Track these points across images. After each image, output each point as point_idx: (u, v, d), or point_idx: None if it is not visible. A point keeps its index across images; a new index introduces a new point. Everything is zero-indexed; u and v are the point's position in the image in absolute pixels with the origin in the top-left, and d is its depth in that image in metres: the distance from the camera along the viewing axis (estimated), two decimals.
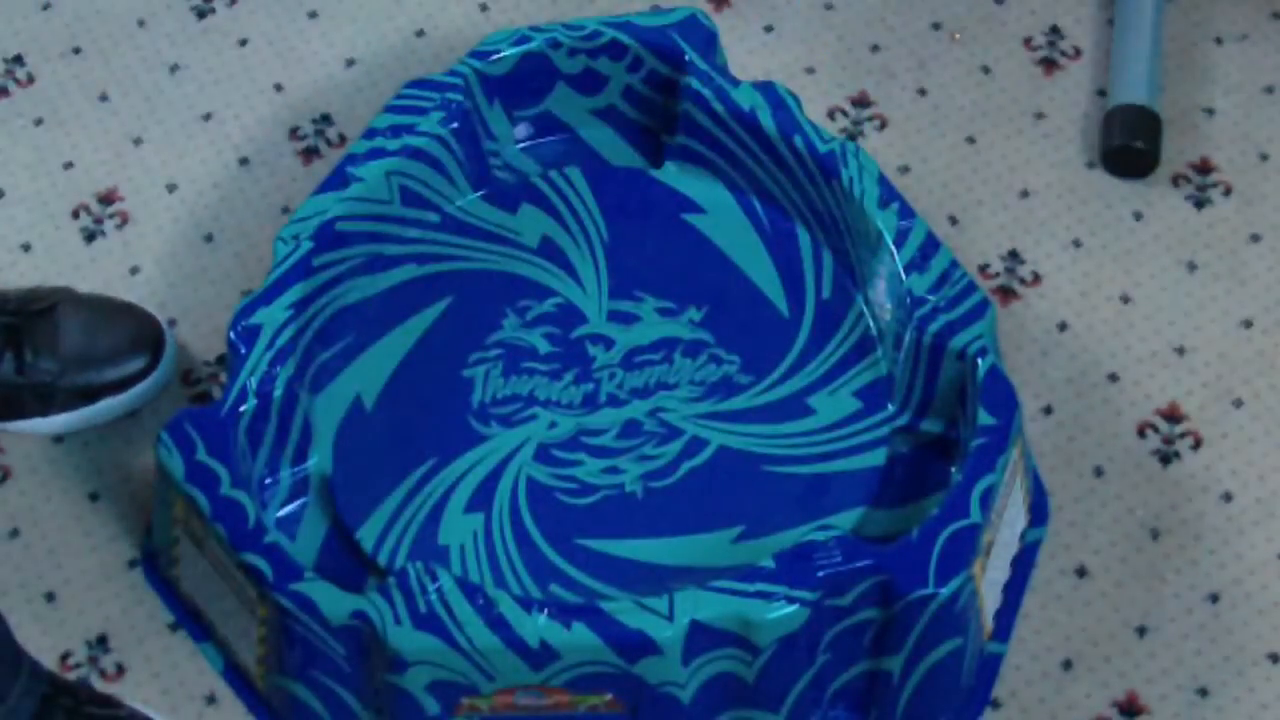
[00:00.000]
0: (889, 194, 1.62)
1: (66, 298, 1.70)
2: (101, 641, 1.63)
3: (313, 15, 1.95)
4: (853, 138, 1.86)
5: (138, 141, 1.87)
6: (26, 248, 1.82)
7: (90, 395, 1.69)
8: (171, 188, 1.85)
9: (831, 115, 1.87)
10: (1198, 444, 1.70)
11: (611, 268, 1.68)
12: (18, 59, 1.92)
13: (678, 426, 1.61)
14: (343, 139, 1.87)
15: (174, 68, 1.92)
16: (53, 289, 1.71)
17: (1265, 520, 1.67)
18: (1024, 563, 1.63)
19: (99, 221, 1.83)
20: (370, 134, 1.67)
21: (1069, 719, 1.59)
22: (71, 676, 1.61)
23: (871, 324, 1.65)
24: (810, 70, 1.90)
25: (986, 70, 1.90)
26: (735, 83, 1.69)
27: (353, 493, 1.59)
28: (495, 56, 1.71)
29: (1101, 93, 1.88)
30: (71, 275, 1.80)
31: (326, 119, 1.89)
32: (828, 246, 1.68)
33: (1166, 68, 1.89)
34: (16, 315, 1.67)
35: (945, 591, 1.47)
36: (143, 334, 1.71)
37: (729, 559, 1.55)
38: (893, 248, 1.60)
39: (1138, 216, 1.82)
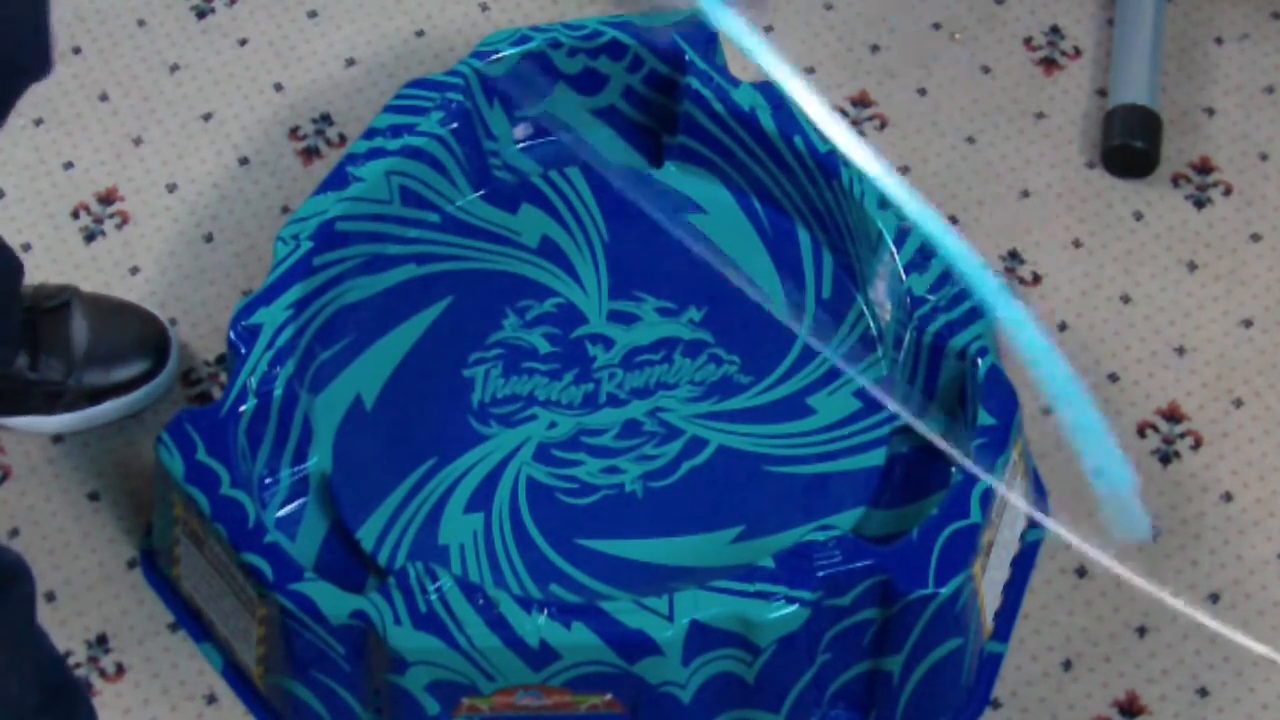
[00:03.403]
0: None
1: (75, 296, 1.70)
2: (101, 641, 1.63)
3: (313, 15, 1.95)
4: None
5: (138, 141, 1.87)
6: (26, 248, 1.82)
7: (96, 396, 1.69)
8: (171, 188, 1.85)
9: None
10: (1198, 444, 1.70)
11: (611, 268, 1.68)
12: None
13: (678, 426, 1.61)
14: (343, 139, 1.87)
15: (174, 68, 1.92)
16: (60, 286, 1.71)
17: (1265, 520, 1.67)
18: (1024, 563, 1.63)
19: (99, 221, 1.83)
20: (370, 134, 1.67)
21: (1069, 719, 1.59)
22: None
23: (871, 324, 1.65)
24: (810, 70, 1.90)
25: (986, 70, 1.90)
26: (735, 83, 1.69)
27: (353, 493, 1.59)
28: (495, 56, 1.71)
29: (1101, 93, 1.88)
30: (72, 275, 1.80)
31: (326, 119, 1.89)
32: (828, 246, 1.68)
33: (1166, 68, 1.89)
34: (31, 311, 1.68)
35: (945, 591, 1.47)
36: (148, 336, 1.71)
37: (729, 559, 1.55)
38: (893, 248, 1.60)
39: (1138, 216, 1.82)
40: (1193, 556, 1.65)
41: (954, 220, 1.81)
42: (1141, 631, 1.62)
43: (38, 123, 1.89)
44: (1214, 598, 1.63)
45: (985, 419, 1.52)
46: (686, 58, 1.70)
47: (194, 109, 1.89)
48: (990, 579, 1.55)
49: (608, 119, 1.76)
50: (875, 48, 1.91)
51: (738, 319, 1.65)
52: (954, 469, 1.58)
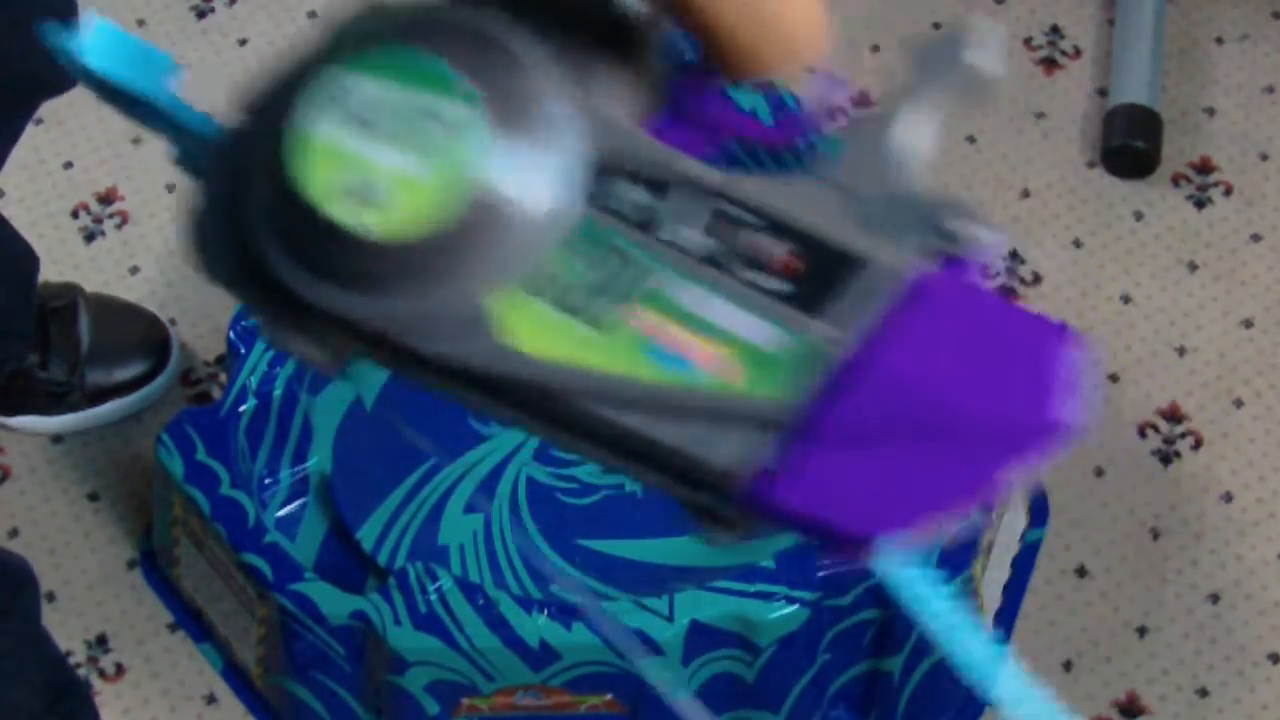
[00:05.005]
0: None
1: (80, 295, 1.70)
2: (101, 641, 1.63)
3: (313, 15, 1.95)
4: None
5: (137, 141, 1.87)
6: None
7: (97, 397, 1.69)
8: (171, 188, 1.85)
9: (832, 115, 1.87)
10: (1198, 444, 1.70)
11: None
12: None
13: None
14: None
15: None
16: (64, 285, 1.71)
17: (1265, 520, 1.67)
18: (1024, 563, 1.63)
19: (99, 221, 1.83)
20: None
21: None
22: None
23: None
24: (810, 70, 1.90)
25: None
26: None
27: (353, 493, 1.58)
28: None
29: (1102, 92, 1.88)
30: (72, 275, 1.80)
31: None
32: None
33: (1166, 68, 1.89)
34: (41, 310, 1.68)
35: None
36: (150, 337, 1.72)
37: (729, 559, 1.55)
38: None
39: (1138, 216, 1.82)
40: (1193, 556, 1.65)
41: None
42: (1141, 631, 1.62)
43: (38, 123, 1.88)
44: (1214, 598, 1.63)
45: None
46: (687, 57, 1.70)
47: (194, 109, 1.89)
48: (990, 579, 1.55)
49: None
50: (876, 47, 1.91)
51: None
52: None
